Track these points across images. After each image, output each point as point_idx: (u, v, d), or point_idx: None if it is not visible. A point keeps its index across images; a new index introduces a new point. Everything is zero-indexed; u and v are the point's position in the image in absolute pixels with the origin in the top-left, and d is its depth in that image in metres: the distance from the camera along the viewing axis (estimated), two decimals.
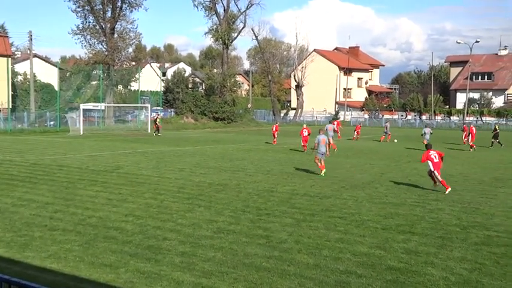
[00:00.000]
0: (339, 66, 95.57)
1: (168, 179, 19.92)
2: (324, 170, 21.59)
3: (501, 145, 38.03)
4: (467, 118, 75.69)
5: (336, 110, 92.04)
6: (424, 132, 36.64)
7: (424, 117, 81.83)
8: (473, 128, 36.86)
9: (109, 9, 62.18)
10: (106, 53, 61.80)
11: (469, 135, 37.18)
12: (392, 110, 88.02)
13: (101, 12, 61.87)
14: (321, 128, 27.73)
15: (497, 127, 38.66)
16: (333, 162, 26.43)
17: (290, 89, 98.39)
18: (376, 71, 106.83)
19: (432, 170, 18.10)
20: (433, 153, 18.41)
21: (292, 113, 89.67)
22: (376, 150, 34.33)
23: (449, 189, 17.45)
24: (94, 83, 64.56)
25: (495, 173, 23.10)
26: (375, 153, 31.96)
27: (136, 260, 9.82)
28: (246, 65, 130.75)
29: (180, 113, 69.02)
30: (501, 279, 8.97)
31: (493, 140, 37.82)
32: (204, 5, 71.04)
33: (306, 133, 33.64)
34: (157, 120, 50.46)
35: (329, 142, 28.25)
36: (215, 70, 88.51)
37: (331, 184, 19.16)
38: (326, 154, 22.67)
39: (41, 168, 22.74)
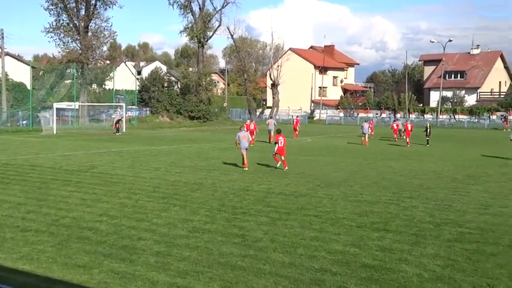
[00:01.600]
0: (314, 65, 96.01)
1: (143, 179, 19.79)
2: (247, 168, 23.01)
3: (427, 144, 37.09)
4: (440, 116, 76.62)
5: (312, 108, 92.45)
6: (363, 127, 39.43)
7: (398, 115, 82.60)
8: (409, 125, 39.35)
9: (83, 7, 61.49)
10: (80, 51, 61.11)
11: (404, 131, 40.25)
12: (367, 109, 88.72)
13: (75, 10, 61.13)
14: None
15: (428, 125, 38.42)
16: (308, 161, 26.55)
17: (266, 87, 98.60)
18: (351, 70, 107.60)
19: (276, 152, 22.87)
20: (280, 138, 23.00)
21: (268, 111, 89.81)
22: (350, 149, 34.56)
23: (287, 168, 22.36)
24: (68, 81, 63.68)
25: (468, 170, 23.43)
26: (350, 152, 32.18)
27: (111, 261, 9.73)
28: (222, 63, 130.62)
29: (156, 112, 68.59)
30: (473, 275, 9.10)
31: (428, 138, 37.46)
32: (179, 3, 70.72)
33: (250, 128, 35.87)
34: (120, 120, 50.83)
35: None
36: (191, 69, 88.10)
37: (307, 183, 19.23)
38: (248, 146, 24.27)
39: (13, 168, 22.40)
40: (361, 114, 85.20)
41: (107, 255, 10.08)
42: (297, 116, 55.38)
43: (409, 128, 38.67)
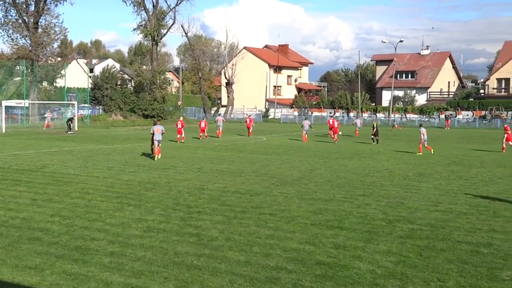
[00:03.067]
0: (268, 64, 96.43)
1: (96, 178, 19.48)
2: (158, 156, 25.88)
3: (377, 142, 37.68)
4: (392, 115, 78.14)
5: (266, 107, 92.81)
6: (303, 124, 41.70)
7: (351, 114, 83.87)
8: (335, 122, 42.80)
9: (32, 2, 60.03)
10: (30, 48, 59.65)
11: (331, 128, 43.16)
12: (321, 108, 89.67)
13: (24, 6, 59.64)
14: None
15: (375, 124, 39.27)
16: (263, 160, 26.65)
17: (220, 86, 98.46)
18: (305, 69, 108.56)
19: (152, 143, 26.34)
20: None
21: (222, 110, 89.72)
22: (305, 147, 34.87)
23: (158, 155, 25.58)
24: (17, 79, 62.09)
25: (418, 168, 23.97)
26: (305, 150, 32.46)
27: (63, 262, 9.54)
28: (176, 61, 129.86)
29: (109, 111, 67.56)
30: (424, 271, 9.32)
31: (372, 136, 38.09)
32: (132, 0, 69.85)
33: (179, 125, 37.55)
34: (72, 119, 50.51)
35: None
36: (144, 67, 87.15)
37: (262, 181, 19.30)
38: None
39: None
40: (315, 113, 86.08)
41: (59, 256, 9.88)
42: (250, 115, 55.75)
43: (336, 125, 41.69)
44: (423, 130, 31.13)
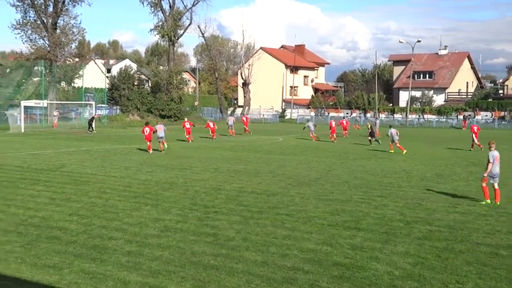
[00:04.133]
0: (285, 64, 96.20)
1: (114, 178, 19.60)
2: (164, 146, 29.75)
3: (378, 142, 37.01)
4: (409, 116, 77.63)
5: (283, 107, 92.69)
6: (308, 126, 43.51)
7: (368, 114, 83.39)
8: (333, 122, 42.97)
9: (51, 3, 60.49)
10: (48, 48, 60.17)
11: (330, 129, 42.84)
12: (337, 108, 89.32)
13: (42, 7, 60.14)
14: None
15: (369, 125, 38.84)
16: (280, 160, 26.63)
17: (237, 86, 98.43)
18: (321, 69, 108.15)
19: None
20: (147, 129, 29.41)
21: (239, 110, 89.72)
22: (322, 148, 34.76)
23: (151, 151, 28.65)
24: (36, 79, 62.61)
25: (437, 169, 23.78)
26: (322, 151, 32.36)
27: (81, 261, 9.61)
28: (193, 62, 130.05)
29: (126, 111, 67.90)
30: (442, 273, 9.24)
31: (369, 138, 37.35)
32: (149, 1, 70.20)
33: (187, 125, 38.51)
34: (94, 118, 51.04)
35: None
36: (161, 67, 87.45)
37: (279, 182, 19.28)
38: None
39: None
40: (332, 113, 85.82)
41: (77, 255, 9.96)
42: (245, 115, 57.65)
43: (333, 125, 42.06)
44: (393, 131, 31.84)
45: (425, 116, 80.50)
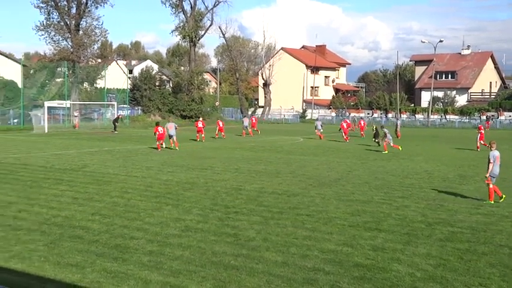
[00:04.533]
0: (306, 65, 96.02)
1: (135, 178, 19.75)
2: (176, 147, 31.19)
3: (378, 144, 35.86)
4: (431, 116, 76.95)
5: (304, 108, 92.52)
6: (316, 125, 44.78)
7: (390, 115, 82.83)
8: (344, 123, 43.27)
9: (74, 5, 61.20)
10: (71, 49, 60.83)
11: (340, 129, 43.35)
12: (359, 108, 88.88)
13: (66, 8, 60.83)
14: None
15: (374, 127, 38.32)
16: (301, 160, 26.58)
17: (258, 87, 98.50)
18: (342, 70, 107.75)
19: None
20: (160, 128, 30.81)
21: (260, 111, 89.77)
22: (343, 149, 34.61)
23: (160, 150, 30.37)
24: (59, 80, 63.36)
25: (459, 170, 23.53)
26: (342, 151, 32.23)
27: (103, 260, 9.70)
28: (214, 62, 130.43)
29: (147, 111, 68.40)
30: (465, 275, 9.15)
31: (374, 139, 36.53)
32: (171, 2, 70.64)
33: (200, 124, 39.27)
34: (119, 118, 51.57)
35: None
36: (182, 68, 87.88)
37: (299, 182, 19.25)
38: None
39: (4, 167, 22.29)
40: (353, 114, 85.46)
41: (99, 254, 10.05)
42: (253, 115, 58.29)
43: (345, 126, 42.23)
44: (386, 130, 32.59)
45: (448, 117, 79.71)
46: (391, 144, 31.80)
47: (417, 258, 10.05)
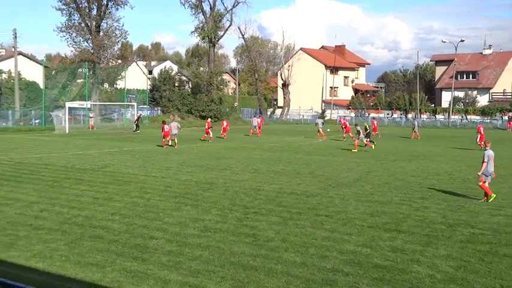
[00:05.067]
0: (325, 65, 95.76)
1: (155, 178, 19.86)
2: (175, 145, 33.46)
3: (374, 144, 35.03)
4: (452, 117, 76.24)
5: (323, 108, 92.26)
6: (317, 123, 46.21)
7: (409, 115, 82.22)
8: (347, 123, 44.91)
9: (94, 6, 61.82)
10: (92, 51, 61.41)
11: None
12: (378, 109, 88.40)
13: (86, 10, 61.46)
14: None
15: (367, 126, 37.83)
16: (320, 161, 26.51)
17: (276, 87, 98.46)
18: (362, 70, 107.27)
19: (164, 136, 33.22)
20: (166, 126, 33.44)
21: (278, 111, 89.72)
22: (362, 149, 34.42)
23: (165, 147, 32.67)
24: (80, 81, 64.03)
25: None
26: (361, 152, 32.06)
27: (123, 259, 9.77)
28: (233, 63, 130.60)
29: (167, 112, 68.76)
30: (486, 277, 9.05)
31: (366, 139, 36.05)
32: (190, 3, 70.95)
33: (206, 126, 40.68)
34: (140, 118, 52.03)
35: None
36: (201, 68, 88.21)
37: (318, 182, 19.21)
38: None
39: (26, 167, 22.57)
40: (373, 114, 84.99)
41: (119, 253, 10.13)
42: (258, 116, 57.66)
43: (347, 125, 43.68)
44: (359, 128, 34.11)
45: (469, 117, 78.91)
46: (365, 141, 33.31)
47: (437, 259, 9.96)
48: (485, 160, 16.05)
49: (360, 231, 12.00)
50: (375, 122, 48.67)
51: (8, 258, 9.80)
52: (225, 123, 44.59)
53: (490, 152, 16.24)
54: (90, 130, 53.48)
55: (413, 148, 35.54)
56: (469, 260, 9.93)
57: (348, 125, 44.42)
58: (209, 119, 43.99)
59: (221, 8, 74.42)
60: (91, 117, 57.32)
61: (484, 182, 16.07)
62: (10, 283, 4.39)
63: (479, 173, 16.15)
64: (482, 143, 33.33)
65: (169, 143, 33.68)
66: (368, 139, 35.49)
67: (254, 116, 58.09)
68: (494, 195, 15.93)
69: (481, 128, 38.24)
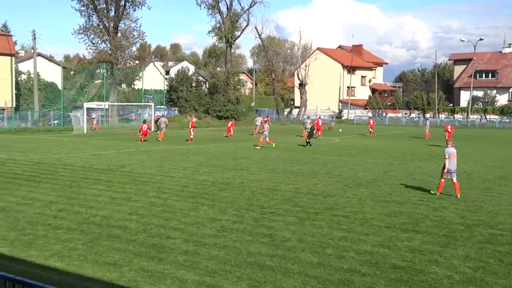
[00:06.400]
0: (342, 65, 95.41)
1: (172, 178, 19.94)
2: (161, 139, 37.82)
3: (309, 144, 34.45)
4: (471, 116, 75.54)
5: (340, 108, 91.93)
6: (304, 122, 46.14)
7: (427, 115, 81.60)
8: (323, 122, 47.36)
9: (112, 8, 62.17)
10: (110, 51, 61.81)
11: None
12: (396, 108, 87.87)
13: (105, 11, 61.84)
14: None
15: (310, 126, 37.33)
16: (337, 161, 26.42)
17: (293, 87, 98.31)
18: (379, 69, 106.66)
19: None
20: (145, 126, 37.94)
21: (295, 111, 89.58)
22: (379, 149, 34.27)
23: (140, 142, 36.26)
24: (98, 81, 64.50)
25: (499, 171, 23.05)
26: (379, 152, 31.91)
27: (140, 259, 9.83)
28: (250, 63, 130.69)
29: (184, 112, 68.98)
30: (505, 278, 8.95)
31: (307, 139, 35.11)
32: (207, 3, 71.04)
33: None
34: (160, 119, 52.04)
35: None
36: (218, 69, 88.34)
37: (335, 182, 19.15)
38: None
39: (45, 167, 22.79)
40: (390, 114, 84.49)
41: (136, 253, 10.19)
42: (265, 116, 57.47)
43: (320, 123, 44.79)
44: (266, 126, 35.24)
45: (488, 117, 78.11)
46: (267, 140, 34.17)
47: (455, 260, 9.88)
48: (446, 157, 16.65)
49: (377, 232, 11.94)
50: (371, 122, 50.81)
51: (27, 257, 9.90)
52: (230, 123, 47.45)
53: (451, 149, 16.82)
54: (92, 131, 53.13)
55: (431, 148, 35.27)
56: (488, 261, 9.83)
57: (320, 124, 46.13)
58: (232, 120, 48.54)
59: (238, 8, 74.50)
60: (93, 118, 57.25)
61: (446, 178, 16.64)
62: (29, 282, 4.43)
63: (445, 170, 16.62)
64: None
65: (145, 139, 37.86)
66: (310, 139, 35.13)
67: (258, 116, 59.14)
68: (439, 194, 16.53)
69: (449, 127, 39.78)
